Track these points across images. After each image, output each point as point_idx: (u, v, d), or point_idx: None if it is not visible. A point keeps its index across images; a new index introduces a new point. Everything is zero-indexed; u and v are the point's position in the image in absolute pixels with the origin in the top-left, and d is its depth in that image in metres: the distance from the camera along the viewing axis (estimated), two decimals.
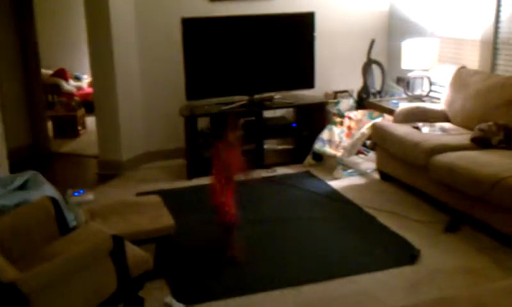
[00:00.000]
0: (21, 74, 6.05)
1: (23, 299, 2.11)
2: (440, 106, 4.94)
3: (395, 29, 6.05)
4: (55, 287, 2.25)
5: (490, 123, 4.14)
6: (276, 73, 5.48)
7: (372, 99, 5.69)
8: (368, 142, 5.43)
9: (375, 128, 4.85)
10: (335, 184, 4.85)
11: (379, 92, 5.83)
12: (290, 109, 5.72)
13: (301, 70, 5.53)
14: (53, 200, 2.95)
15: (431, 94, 5.33)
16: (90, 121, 7.00)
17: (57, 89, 8.16)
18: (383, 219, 4.09)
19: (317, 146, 5.26)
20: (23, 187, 3.55)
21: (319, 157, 5.37)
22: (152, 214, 3.37)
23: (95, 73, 5.42)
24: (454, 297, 2.18)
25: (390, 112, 5.08)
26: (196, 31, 5.12)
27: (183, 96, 5.18)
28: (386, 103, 5.41)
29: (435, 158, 3.99)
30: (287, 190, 4.73)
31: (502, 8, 4.66)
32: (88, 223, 3.17)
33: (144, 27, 5.39)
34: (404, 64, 5.33)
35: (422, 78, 5.36)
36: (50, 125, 6.81)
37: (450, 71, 4.98)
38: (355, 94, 5.90)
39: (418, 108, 4.90)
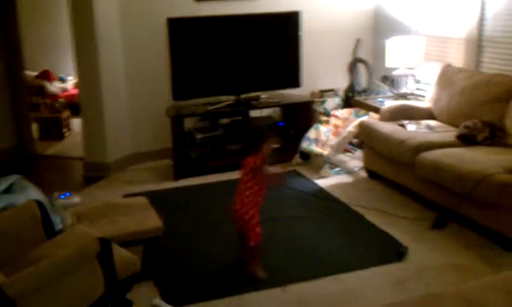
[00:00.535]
0: (5, 76, 5.98)
1: (9, 302, 2.09)
2: (425, 104, 4.97)
3: (381, 27, 6.07)
4: (41, 291, 2.23)
5: (475, 120, 4.18)
6: (262, 72, 5.48)
7: (358, 97, 5.71)
8: (355, 140, 5.45)
9: (361, 126, 4.87)
10: (322, 183, 4.86)
11: (365, 90, 5.85)
12: (277, 109, 5.72)
13: (287, 69, 5.54)
14: (39, 203, 2.93)
15: (417, 92, 5.37)
16: (75, 122, 6.96)
17: (42, 91, 8.08)
18: (370, 216, 4.10)
19: (304, 144, 5.27)
20: (8, 190, 3.51)
21: (306, 156, 5.37)
22: (139, 216, 3.35)
23: (80, 74, 5.37)
24: (442, 293, 2.19)
25: (376, 110, 5.10)
26: (182, 31, 5.10)
27: (169, 96, 5.16)
28: (372, 101, 5.43)
29: (421, 156, 4.02)
30: (274, 189, 4.73)
31: (486, 6, 4.70)
32: (74, 226, 3.14)
33: (130, 27, 5.36)
34: (389, 63, 5.35)
35: (407, 76, 5.38)
36: (35, 127, 6.75)
37: (436, 69, 5.01)
38: (341, 93, 5.92)
39: (404, 106, 4.93)
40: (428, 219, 3.97)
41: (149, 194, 4.04)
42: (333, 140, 5.18)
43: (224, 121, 5.43)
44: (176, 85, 5.14)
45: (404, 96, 5.33)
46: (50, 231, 2.89)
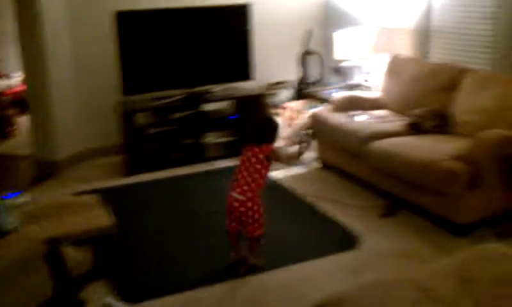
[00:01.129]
0: None
1: None
2: (376, 94, 5.05)
3: (332, 19, 6.12)
4: None
5: (424, 109, 4.27)
6: (213, 65, 5.44)
7: (310, 89, 5.74)
8: (307, 131, 5.48)
9: (313, 118, 4.91)
10: (276, 174, 4.88)
11: (317, 82, 5.90)
12: (231, 102, 5.70)
13: (239, 62, 5.52)
14: None
15: (368, 82, 5.44)
16: (23, 120, 6.76)
17: None
18: (324, 206, 4.15)
19: None
20: None
21: None
22: (90, 214, 3.27)
23: (27, 70, 5.20)
24: (394, 279, 2.22)
25: (327, 101, 5.15)
26: (131, 25, 5.02)
27: (120, 91, 5.07)
28: (324, 93, 5.47)
29: (371, 146, 4.08)
30: (226, 183, 4.72)
31: None
32: (22, 227, 3.05)
33: (78, 21, 5.22)
34: (337, 54, 5.41)
35: (357, 67, 5.45)
36: None
37: (385, 59, 5.09)
38: (294, 85, 5.94)
39: (354, 97, 4.98)
40: (379, 207, 4.05)
41: (100, 191, 3.97)
42: (287, 132, 5.21)
43: (177, 115, 5.37)
44: (127, 79, 5.05)
45: (355, 87, 5.40)
46: None
